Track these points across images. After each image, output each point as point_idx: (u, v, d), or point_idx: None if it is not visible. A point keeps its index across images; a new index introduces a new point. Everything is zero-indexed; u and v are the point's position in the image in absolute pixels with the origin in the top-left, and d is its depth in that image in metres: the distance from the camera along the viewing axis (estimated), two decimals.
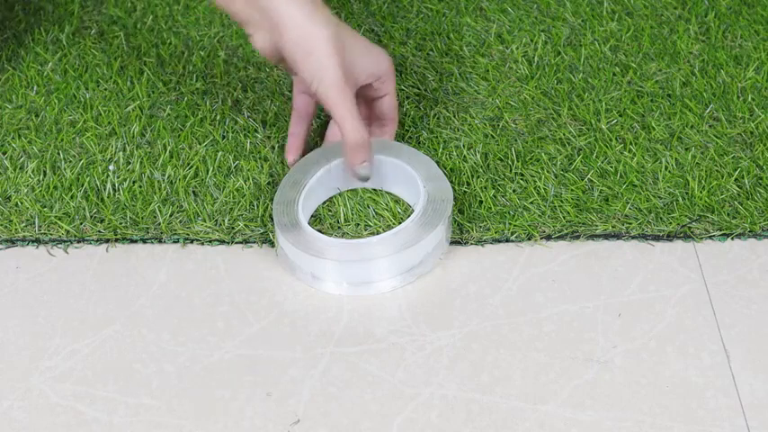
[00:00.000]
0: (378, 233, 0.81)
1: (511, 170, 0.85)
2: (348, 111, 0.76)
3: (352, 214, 0.82)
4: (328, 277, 0.77)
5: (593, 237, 0.82)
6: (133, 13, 1.03)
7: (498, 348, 0.74)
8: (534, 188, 0.84)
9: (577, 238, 0.81)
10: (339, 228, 0.82)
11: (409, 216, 0.79)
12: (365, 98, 0.83)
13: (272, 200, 0.83)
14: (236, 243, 0.82)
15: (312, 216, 0.82)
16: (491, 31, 0.99)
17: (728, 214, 0.82)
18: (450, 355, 0.74)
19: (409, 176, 0.81)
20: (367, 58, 0.79)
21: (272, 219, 0.82)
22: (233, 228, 0.82)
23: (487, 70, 0.95)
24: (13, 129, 0.90)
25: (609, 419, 0.70)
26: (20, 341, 0.76)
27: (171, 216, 0.83)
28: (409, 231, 0.77)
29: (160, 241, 0.82)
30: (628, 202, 0.83)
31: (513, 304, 0.77)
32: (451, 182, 0.83)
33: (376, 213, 0.82)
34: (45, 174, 0.86)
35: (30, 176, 0.86)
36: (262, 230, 0.82)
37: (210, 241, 0.82)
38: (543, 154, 0.87)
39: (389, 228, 0.81)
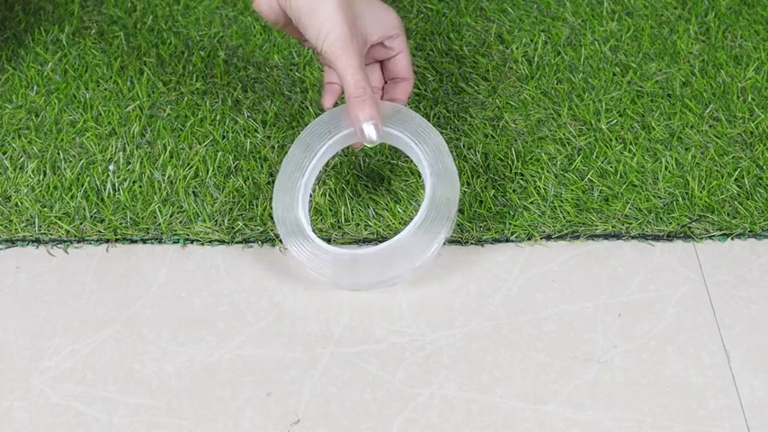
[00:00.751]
0: (377, 233, 0.81)
1: (511, 170, 0.86)
2: (350, 64, 0.74)
3: (352, 214, 0.82)
4: (329, 279, 0.77)
5: (593, 237, 0.82)
6: (133, 13, 1.03)
7: (498, 348, 0.74)
8: (534, 188, 0.84)
9: (577, 238, 0.81)
10: (340, 227, 0.82)
11: (416, 214, 0.77)
12: (379, 60, 0.81)
13: (272, 198, 0.83)
14: (236, 243, 0.82)
15: (313, 209, 0.82)
16: (491, 31, 0.99)
17: (728, 214, 0.82)
18: (450, 355, 0.74)
19: (417, 160, 0.79)
20: (376, 16, 0.77)
21: (271, 217, 0.82)
22: (233, 228, 0.82)
23: (487, 70, 0.95)
24: (13, 129, 0.90)
25: (609, 419, 0.70)
26: (20, 341, 0.76)
27: (171, 216, 0.83)
28: (409, 241, 0.75)
29: (160, 241, 0.82)
30: (628, 202, 0.83)
31: (513, 304, 0.77)
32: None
33: (376, 213, 0.82)
34: (45, 174, 0.86)
35: (30, 176, 0.86)
36: (261, 230, 0.82)
37: (210, 241, 0.82)
38: (543, 154, 0.87)
39: (389, 228, 0.81)
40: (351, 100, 0.75)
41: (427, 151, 0.78)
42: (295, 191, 0.78)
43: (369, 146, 0.81)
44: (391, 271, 0.76)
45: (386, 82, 0.82)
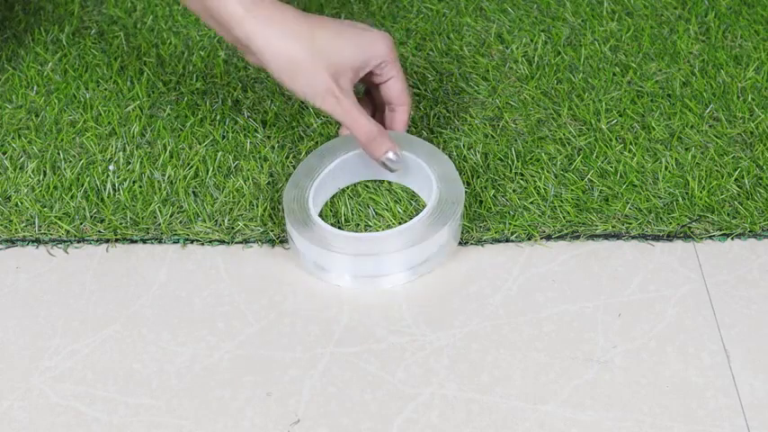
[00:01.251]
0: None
1: (511, 170, 0.86)
2: (350, 114, 0.76)
3: (352, 214, 0.82)
4: (332, 268, 0.77)
5: (593, 237, 0.82)
6: (133, 13, 1.03)
7: (498, 348, 0.74)
8: (534, 188, 0.84)
9: (577, 238, 0.81)
10: (340, 227, 0.82)
11: (417, 214, 0.79)
12: (371, 84, 0.82)
13: (276, 195, 0.83)
14: (236, 243, 0.82)
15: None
16: (491, 31, 0.99)
17: (728, 214, 0.82)
18: (450, 355, 0.74)
19: (425, 175, 0.81)
20: (355, 49, 0.77)
21: (271, 218, 0.82)
22: (233, 228, 0.82)
23: (487, 70, 0.95)
24: (13, 129, 0.90)
25: (609, 419, 0.70)
26: (20, 341, 0.76)
27: (171, 216, 0.83)
28: (416, 230, 0.77)
29: (160, 241, 0.82)
30: (628, 202, 0.83)
31: (513, 304, 0.77)
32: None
33: (376, 213, 0.82)
34: (45, 174, 0.86)
35: (30, 176, 0.86)
36: (262, 230, 0.82)
37: (210, 241, 0.82)
38: (543, 154, 0.87)
39: (389, 228, 0.81)
40: (366, 144, 0.78)
41: (435, 166, 0.80)
42: (305, 188, 0.80)
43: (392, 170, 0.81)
44: (393, 260, 0.76)
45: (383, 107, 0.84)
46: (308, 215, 0.78)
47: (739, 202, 0.83)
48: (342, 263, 0.77)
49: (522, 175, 0.85)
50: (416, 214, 0.82)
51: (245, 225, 0.82)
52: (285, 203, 0.79)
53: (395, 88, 0.81)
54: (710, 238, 0.81)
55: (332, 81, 0.75)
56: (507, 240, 0.82)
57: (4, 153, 0.88)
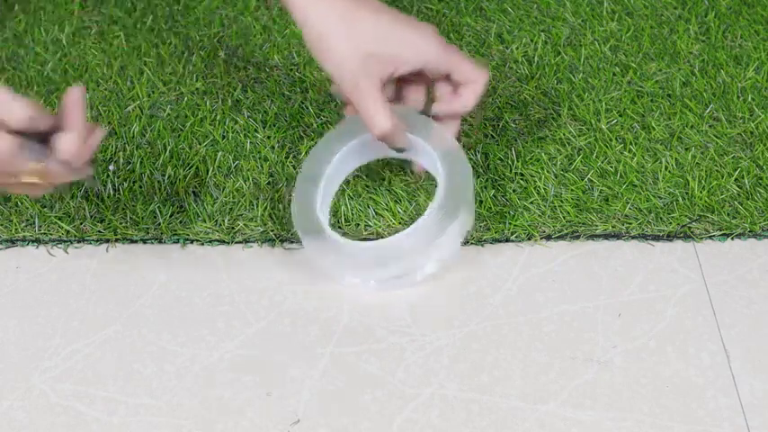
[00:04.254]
0: (378, 233, 0.81)
1: (511, 170, 0.85)
2: (368, 106, 0.73)
3: (353, 214, 0.82)
4: (356, 276, 0.77)
5: (593, 237, 0.82)
6: (133, 14, 1.03)
7: (498, 348, 0.74)
8: (534, 188, 0.84)
9: (577, 238, 0.81)
10: (339, 228, 0.82)
11: (417, 215, 0.79)
12: (434, 79, 0.78)
13: (276, 195, 0.83)
14: (236, 243, 0.82)
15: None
16: (491, 31, 0.99)
17: (728, 214, 0.82)
18: (450, 355, 0.74)
19: (431, 162, 0.79)
20: (401, 47, 0.74)
21: (271, 217, 0.82)
22: (233, 228, 0.82)
23: None
24: None
25: (609, 419, 0.70)
26: (20, 341, 0.76)
27: (171, 216, 0.83)
28: (428, 228, 0.75)
29: (160, 241, 0.82)
30: (628, 202, 0.83)
31: (513, 304, 0.77)
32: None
33: (376, 213, 0.82)
34: None
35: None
36: (262, 230, 0.82)
37: (210, 241, 0.82)
38: (543, 154, 0.87)
39: (389, 227, 0.81)
40: (380, 138, 0.75)
41: (443, 154, 0.78)
42: (313, 191, 0.79)
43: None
44: (406, 259, 0.75)
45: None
46: (321, 229, 0.76)
47: (739, 202, 0.83)
48: (364, 275, 0.76)
49: (522, 175, 0.85)
50: (416, 214, 0.81)
51: (245, 225, 0.82)
52: (295, 220, 0.77)
53: (461, 76, 0.76)
54: (710, 238, 0.81)
55: (362, 71, 0.73)
56: (507, 240, 0.82)
57: None
